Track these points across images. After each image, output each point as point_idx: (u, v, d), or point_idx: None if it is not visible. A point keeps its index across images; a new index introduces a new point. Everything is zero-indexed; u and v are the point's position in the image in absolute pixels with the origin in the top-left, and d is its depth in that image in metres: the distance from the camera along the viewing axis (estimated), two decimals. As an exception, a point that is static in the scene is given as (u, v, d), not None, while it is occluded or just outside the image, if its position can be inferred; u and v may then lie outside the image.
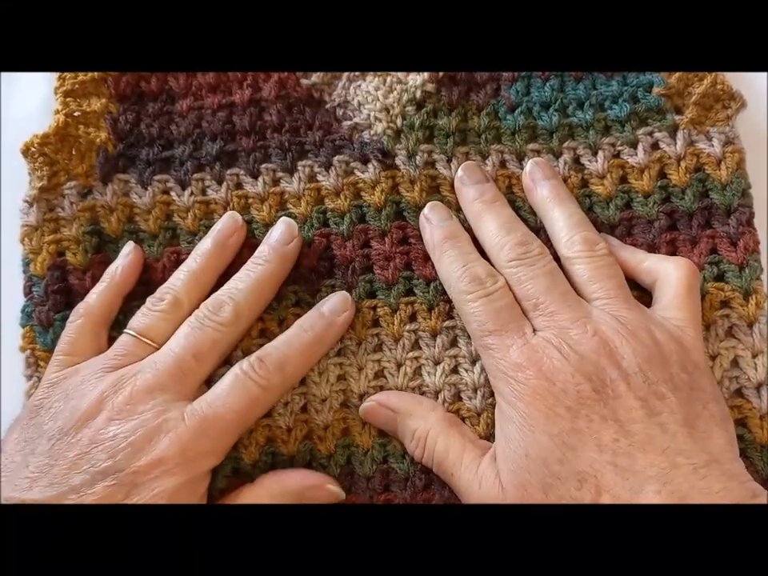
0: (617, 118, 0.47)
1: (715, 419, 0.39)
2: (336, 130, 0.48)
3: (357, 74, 0.48)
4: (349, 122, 0.48)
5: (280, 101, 0.48)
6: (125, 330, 0.44)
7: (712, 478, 0.37)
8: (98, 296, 0.45)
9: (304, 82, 0.48)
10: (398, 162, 0.47)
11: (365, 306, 0.46)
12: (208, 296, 0.45)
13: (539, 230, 0.46)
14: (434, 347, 0.46)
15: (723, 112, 0.47)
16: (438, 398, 0.45)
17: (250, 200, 0.47)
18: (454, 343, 0.46)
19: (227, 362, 0.45)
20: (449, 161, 0.47)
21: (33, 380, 0.46)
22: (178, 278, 0.45)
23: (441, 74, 0.47)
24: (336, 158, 0.47)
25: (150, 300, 0.45)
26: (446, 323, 0.46)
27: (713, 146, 0.46)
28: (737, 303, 0.45)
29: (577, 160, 0.47)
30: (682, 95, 0.47)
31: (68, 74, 0.48)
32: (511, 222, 0.45)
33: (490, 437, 0.44)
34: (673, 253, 0.46)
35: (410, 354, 0.46)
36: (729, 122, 0.47)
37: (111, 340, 0.45)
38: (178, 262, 0.46)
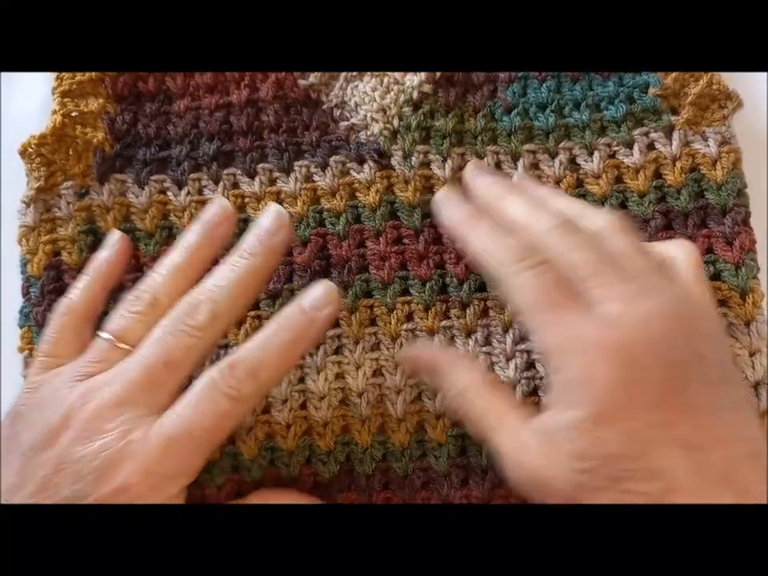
0: (613, 118, 0.47)
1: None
2: (333, 130, 0.48)
3: (354, 74, 0.48)
4: (346, 123, 0.48)
5: (277, 101, 0.48)
6: (99, 333, 0.41)
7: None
8: (81, 291, 0.42)
9: (301, 82, 0.48)
10: (393, 162, 0.47)
11: (362, 305, 0.46)
12: None
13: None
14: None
15: (719, 112, 0.47)
16: (436, 396, 0.45)
17: (247, 199, 0.47)
18: (451, 343, 0.46)
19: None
20: (444, 161, 0.47)
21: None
22: (159, 274, 0.41)
23: (438, 74, 0.48)
24: (332, 158, 0.47)
25: (127, 299, 0.41)
26: (443, 323, 0.46)
27: (708, 146, 0.47)
28: (734, 302, 0.45)
29: (572, 160, 0.47)
30: (678, 96, 0.47)
31: (65, 74, 0.48)
32: (539, 197, 0.42)
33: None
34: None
35: None
36: (725, 122, 0.47)
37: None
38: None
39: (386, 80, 0.48)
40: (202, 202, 0.47)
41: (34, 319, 0.46)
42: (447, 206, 0.43)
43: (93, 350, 0.40)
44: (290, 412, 0.45)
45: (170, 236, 0.47)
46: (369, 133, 0.48)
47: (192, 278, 0.41)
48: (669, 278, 0.39)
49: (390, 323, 0.46)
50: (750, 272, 0.45)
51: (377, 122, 0.48)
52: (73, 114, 0.47)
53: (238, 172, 0.48)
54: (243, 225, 0.47)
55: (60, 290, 0.46)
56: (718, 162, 0.46)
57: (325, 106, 0.48)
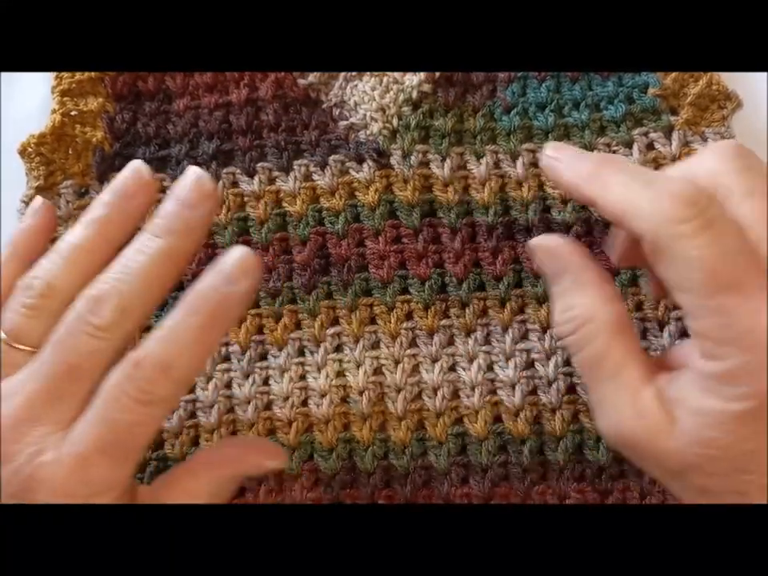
0: (612, 118, 0.47)
1: None
2: (332, 129, 0.48)
3: (353, 74, 0.48)
4: (345, 122, 0.48)
5: (277, 100, 0.48)
6: None
7: None
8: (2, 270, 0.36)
9: (301, 81, 0.48)
10: (392, 161, 0.47)
11: (361, 304, 0.46)
12: None
13: (533, 228, 0.46)
14: (432, 345, 0.46)
15: (719, 112, 0.47)
16: (436, 394, 0.46)
17: (246, 198, 0.47)
18: (451, 342, 0.46)
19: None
20: (443, 160, 0.47)
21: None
22: (57, 256, 0.34)
23: (437, 74, 0.48)
24: (332, 157, 0.47)
25: (18, 288, 0.35)
26: (443, 322, 0.46)
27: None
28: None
29: (572, 160, 0.47)
30: (678, 96, 0.47)
31: (65, 74, 0.48)
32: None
33: (488, 435, 0.45)
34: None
35: (408, 352, 0.46)
36: (724, 123, 0.47)
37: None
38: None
39: (385, 79, 0.48)
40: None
41: None
42: (565, 157, 0.36)
43: None
44: (292, 409, 0.46)
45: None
46: (368, 132, 0.48)
47: (98, 262, 0.34)
48: None
49: (390, 322, 0.46)
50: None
51: (376, 121, 0.48)
52: (72, 113, 0.47)
53: (238, 171, 0.48)
54: (243, 224, 0.47)
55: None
56: (717, 162, 0.46)
57: (324, 106, 0.48)
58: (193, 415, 0.45)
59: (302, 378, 0.46)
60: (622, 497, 0.44)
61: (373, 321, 0.47)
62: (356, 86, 0.48)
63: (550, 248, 0.37)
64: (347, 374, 0.46)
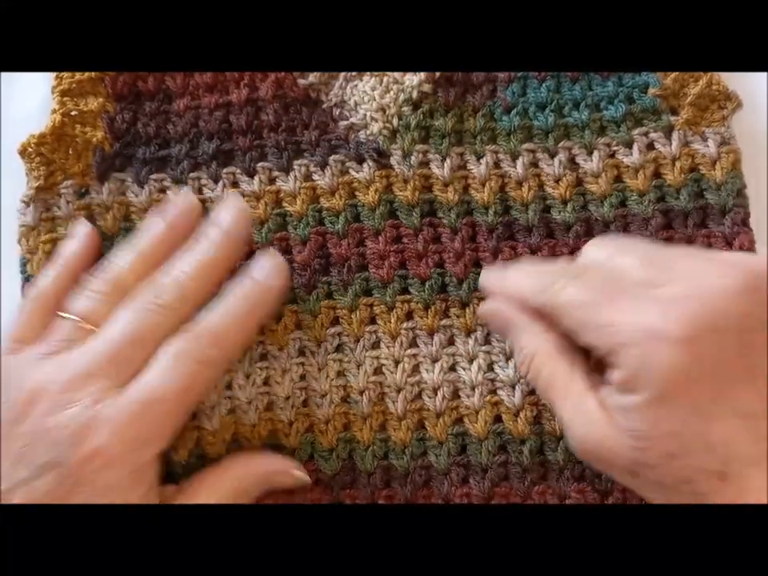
0: (612, 118, 0.47)
1: None
2: (332, 129, 0.48)
3: (354, 74, 0.48)
4: (345, 122, 0.48)
5: (277, 100, 0.48)
6: (64, 314, 0.42)
7: None
8: (50, 280, 0.44)
9: (301, 81, 0.48)
10: (392, 161, 0.47)
11: (362, 304, 0.46)
12: None
13: (533, 228, 0.46)
14: (432, 345, 0.46)
15: (719, 112, 0.47)
16: (436, 394, 0.46)
17: (246, 198, 0.47)
18: (451, 342, 0.46)
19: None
20: (443, 160, 0.47)
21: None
22: (123, 258, 0.43)
23: (437, 74, 0.47)
24: (332, 157, 0.47)
25: (91, 281, 0.42)
26: (443, 322, 0.46)
27: (708, 146, 0.47)
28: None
29: (572, 160, 0.47)
30: (678, 96, 0.47)
31: (65, 74, 0.48)
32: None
33: (488, 434, 0.45)
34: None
35: (408, 352, 0.46)
36: (724, 123, 0.47)
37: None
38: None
39: (385, 79, 0.48)
40: (203, 202, 0.47)
41: None
42: (483, 273, 0.45)
43: (57, 331, 0.41)
44: (293, 409, 0.46)
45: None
46: (368, 132, 0.48)
47: (156, 264, 0.42)
48: (715, 258, 0.40)
49: (390, 322, 0.46)
50: (749, 273, 0.45)
51: (376, 121, 0.48)
52: (72, 113, 0.47)
53: (238, 171, 0.48)
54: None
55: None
56: (717, 163, 0.46)
57: (324, 106, 0.48)
58: (194, 417, 0.45)
59: (303, 378, 0.46)
60: (622, 497, 0.44)
61: (373, 321, 0.47)
62: (356, 86, 0.48)
63: (490, 311, 0.44)
64: (347, 374, 0.46)
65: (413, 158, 0.47)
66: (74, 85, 0.48)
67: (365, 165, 0.47)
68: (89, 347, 0.40)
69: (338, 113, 0.48)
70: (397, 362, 0.46)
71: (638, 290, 0.38)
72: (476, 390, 0.45)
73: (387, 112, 0.48)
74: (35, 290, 0.44)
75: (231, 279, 0.43)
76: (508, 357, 0.46)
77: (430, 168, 0.47)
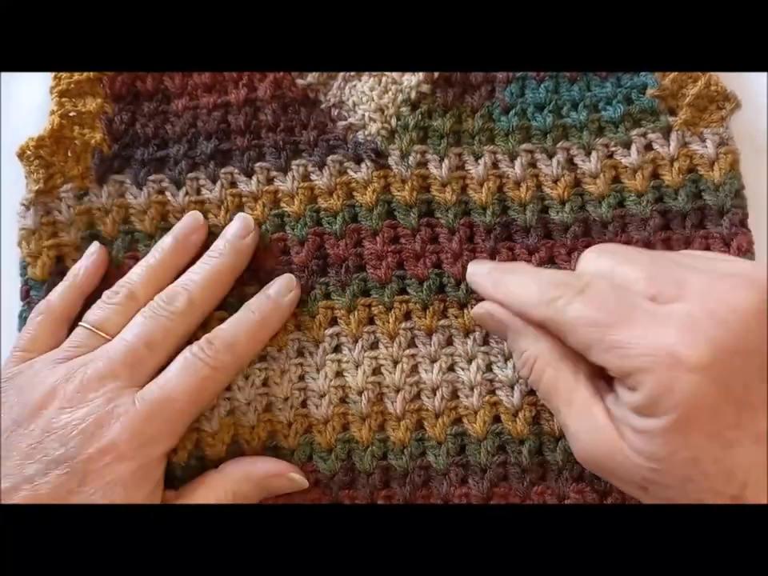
0: (611, 119, 0.47)
1: None
2: (331, 129, 0.48)
3: (352, 74, 0.48)
4: (343, 122, 0.48)
5: (275, 101, 0.48)
6: (79, 323, 0.44)
7: None
8: (59, 294, 0.46)
9: (299, 82, 0.48)
10: (390, 162, 0.47)
11: (360, 304, 0.46)
12: None
13: (531, 229, 0.46)
14: (430, 345, 0.46)
15: (717, 113, 0.47)
16: (435, 394, 0.46)
17: (244, 199, 0.47)
18: (449, 342, 0.46)
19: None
20: (441, 161, 0.47)
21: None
22: (135, 273, 0.45)
23: (436, 74, 0.47)
24: (330, 157, 0.47)
25: (105, 293, 0.45)
26: (441, 322, 0.46)
27: (706, 147, 0.47)
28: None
29: (570, 160, 0.47)
30: (676, 97, 0.47)
31: (63, 74, 0.48)
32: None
33: (487, 435, 0.45)
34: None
35: (407, 352, 0.46)
36: (723, 123, 0.47)
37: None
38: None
39: (384, 80, 0.48)
40: (201, 202, 0.47)
41: None
42: (479, 278, 0.45)
43: (72, 338, 0.44)
44: (291, 410, 0.46)
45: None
46: (366, 132, 0.48)
47: (162, 278, 0.45)
48: (721, 270, 0.38)
49: (388, 322, 0.46)
50: (747, 274, 0.45)
51: (374, 121, 0.48)
52: (71, 115, 0.47)
53: (236, 171, 0.48)
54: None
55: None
56: (715, 164, 0.46)
57: (323, 106, 0.48)
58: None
59: (301, 378, 0.46)
60: (621, 497, 0.44)
61: (371, 321, 0.47)
62: (354, 86, 0.48)
63: (487, 313, 0.44)
64: (346, 374, 0.46)
65: (411, 158, 0.47)
66: (72, 85, 0.48)
67: (363, 165, 0.47)
68: (103, 350, 0.42)
69: (336, 113, 0.48)
70: (395, 362, 0.46)
71: (646, 306, 0.37)
72: (475, 390, 0.46)
73: (385, 112, 0.48)
74: (44, 302, 0.45)
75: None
76: (507, 357, 0.46)
77: (428, 168, 0.47)
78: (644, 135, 0.47)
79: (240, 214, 0.47)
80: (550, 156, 0.47)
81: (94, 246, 0.47)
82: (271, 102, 0.48)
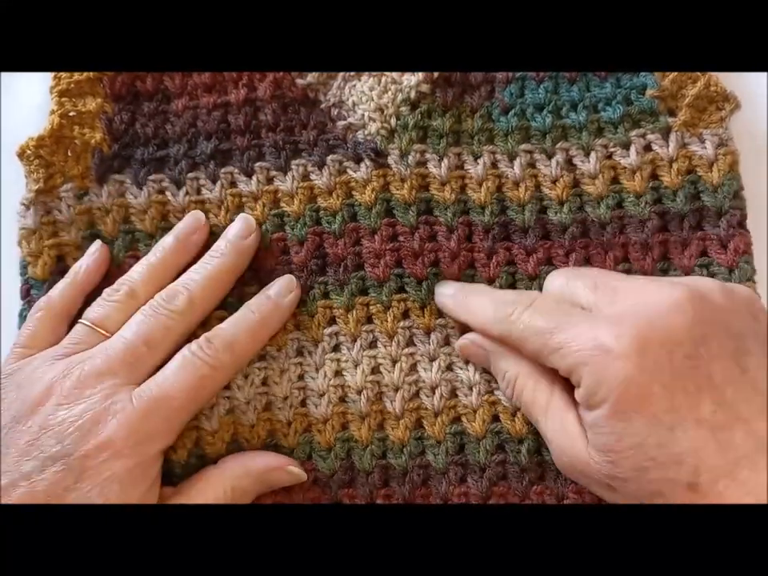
0: (610, 119, 0.47)
1: None
2: (330, 129, 0.48)
3: (352, 74, 0.48)
4: (343, 122, 0.48)
5: (275, 100, 0.48)
6: (79, 320, 0.44)
7: None
8: (60, 291, 0.46)
9: (299, 81, 0.48)
10: (390, 161, 0.47)
11: (358, 303, 0.47)
12: None
13: (529, 229, 0.47)
14: (429, 344, 0.46)
15: (717, 114, 0.47)
16: (434, 393, 0.46)
17: (244, 198, 0.48)
18: (447, 341, 0.47)
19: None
20: (440, 160, 0.47)
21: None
22: (136, 271, 0.45)
23: (435, 74, 0.47)
24: (329, 157, 0.48)
25: (106, 291, 0.45)
26: (439, 321, 0.47)
27: (705, 148, 0.46)
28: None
29: (569, 161, 0.47)
30: (676, 97, 0.47)
31: (63, 74, 0.48)
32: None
33: (486, 434, 0.45)
34: (665, 254, 0.46)
35: (405, 351, 0.46)
36: (722, 124, 0.47)
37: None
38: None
39: (383, 79, 0.48)
40: (201, 202, 0.47)
41: None
42: (448, 300, 0.46)
43: (72, 335, 0.44)
44: (291, 409, 0.46)
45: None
46: (366, 132, 0.48)
47: (163, 277, 0.45)
48: (657, 280, 0.43)
49: (387, 321, 0.46)
50: (744, 275, 0.45)
51: (374, 121, 0.48)
52: (71, 114, 0.47)
53: (236, 171, 0.48)
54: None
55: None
56: (714, 165, 0.46)
57: (322, 105, 0.48)
58: (193, 417, 0.45)
59: (301, 378, 0.46)
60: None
61: (370, 320, 0.47)
62: (354, 86, 0.48)
63: (471, 341, 0.45)
64: (345, 373, 0.46)
65: (410, 157, 0.47)
66: (72, 85, 0.48)
67: (362, 164, 0.47)
68: (101, 348, 0.43)
69: (336, 113, 0.48)
70: (394, 361, 0.46)
71: (584, 313, 0.41)
72: (474, 389, 0.46)
73: (385, 112, 0.48)
74: (44, 299, 0.45)
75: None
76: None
77: (427, 168, 0.47)
78: (643, 136, 0.47)
79: (242, 215, 0.47)
80: (549, 156, 0.47)
81: (96, 245, 0.47)
82: (271, 102, 0.48)
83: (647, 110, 0.47)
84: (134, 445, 0.40)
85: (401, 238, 0.47)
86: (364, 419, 0.46)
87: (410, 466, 0.45)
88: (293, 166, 0.48)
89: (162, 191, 0.48)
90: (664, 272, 0.46)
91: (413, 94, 0.47)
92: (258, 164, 0.48)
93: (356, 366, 0.46)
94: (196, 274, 0.45)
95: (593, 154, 0.47)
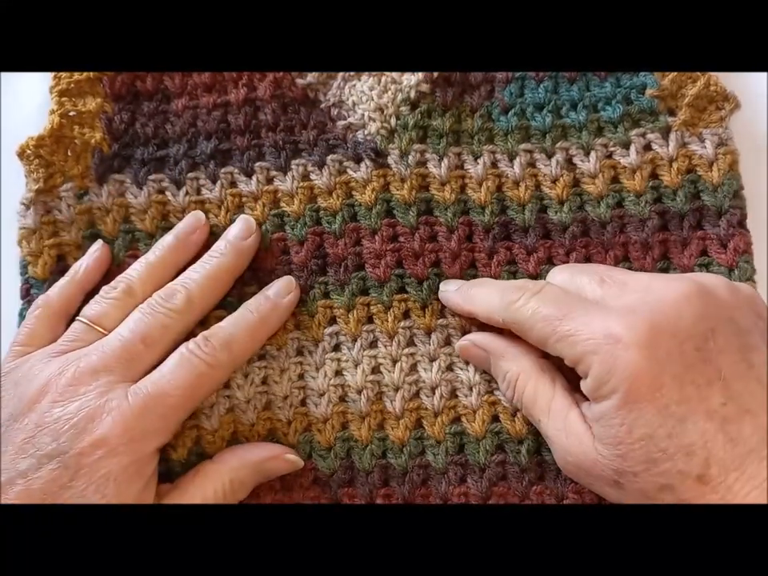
0: (610, 119, 0.47)
1: None
2: (330, 129, 0.48)
3: (352, 73, 0.48)
4: (343, 122, 0.48)
5: (275, 100, 0.48)
6: (76, 318, 0.44)
7: None
8: (59, 290, 0.46)
9: (299, 81, 0.48)
10: (390, 161, 0.47)
11: (358, 303, 0.46)
12: None
13: (529, 229, 0.47)
14: (429, 344, 0.46)
15: (716, 113, 0.47)
16: (434, 393, 0.46)
17: (244, 198, 0.48)
18: (448, 341, 0.47)
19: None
20: (440, 160, 0.47)
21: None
22: (134, 269, 0.45)
23: (435, 74, 0.47)
24: (329, 157, 0.48)
25: (103, 288, 0.45)
26: (440, 321, 0.47)
27: (705, 147, 0.47)
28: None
29: (569, 160, 0.47)
30: (675, 97, 0.47)
31: (63, 74, 0.48)
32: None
33: (486, 434, 0.45)
34: (665, 253, 0.46)
35: (406, 351, 0.46)
36: (722, 124, 0.47)
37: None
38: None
39: (383, 79, 0.48)
40: (201, 202, 0.47)
41: None
42: (443, 285, 0.47)
43: (69, 332, 0.44)
44: (291, 408, 0.46)
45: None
46: (366, 132, 0.48)
47: (161, 276, 0.45)
48: (664, 275, 0.43)
49: (387, 321, 0.46)
50: (744, 275, 0.45)
51: (374, 121, 0.48)
52: (71, 114, 0.47)
53: (236, 170, 0.48)
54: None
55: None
56: (714, 164, 0.46)
57: (322, 105, 0.48)
58: (193, 416, 0.45)
59: (301, 377, 0.46)
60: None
61: (370, 320, 0.47)
62: (354, 85, 0.48)
63: (471, 342, 0.46)
64: (345, 373, 0.46)
65: (410, 157, 0.47)
66: (72, 85, 0.48)
67: (362, 164, 0.47)
68: (97, 345, 0.42)
69: (335, 112, 0.48)
70: (394, 361, 0.46)
71: (593, 303, 0.41)
72: (474, 389, 0.46)
73: (385, 112, 0.48)
74: (43, 297, 0.45)
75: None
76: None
77: (427, 167, 0.47)
78: (643, 135, 0.47)
79: (242, 216, 0.47)
80: (549, 156, 0.47)
81: (98, 244, 0.47)
82: (271, 102, 0.48)
83: (647, 110, 0.47)
84: (129, 442, 0.40)
85: (401, 239, 0.47)
86: (364, 419, 0.46)
87: (409, 466, 0.45)
88: (293, 166, 0.48)
89: (162, 191, 0.48)
90: (664, 271, 0.46)
91: (413, 94, 0.48)
92: (258, 164, 0.48)
93: (356, 365, 0.46)
94: (195, 273, 0.45)
95: (593, 154, 0.47)
